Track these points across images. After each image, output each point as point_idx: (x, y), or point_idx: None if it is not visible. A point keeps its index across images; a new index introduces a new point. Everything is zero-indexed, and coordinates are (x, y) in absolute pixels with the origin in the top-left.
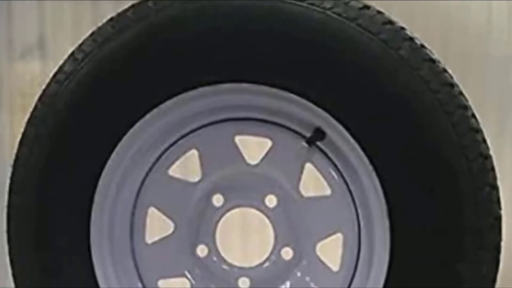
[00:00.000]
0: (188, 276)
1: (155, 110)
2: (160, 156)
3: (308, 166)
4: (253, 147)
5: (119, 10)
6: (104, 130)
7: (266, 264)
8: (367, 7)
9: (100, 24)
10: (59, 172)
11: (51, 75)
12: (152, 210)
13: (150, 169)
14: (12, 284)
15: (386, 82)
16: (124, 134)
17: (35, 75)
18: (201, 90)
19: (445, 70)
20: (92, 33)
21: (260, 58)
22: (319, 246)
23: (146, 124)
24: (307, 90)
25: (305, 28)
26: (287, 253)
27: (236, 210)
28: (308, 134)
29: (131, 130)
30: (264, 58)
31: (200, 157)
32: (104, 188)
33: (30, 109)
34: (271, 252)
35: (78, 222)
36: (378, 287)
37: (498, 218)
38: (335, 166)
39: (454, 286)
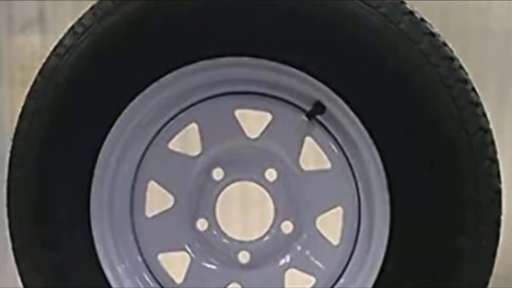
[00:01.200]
0: (188, 249)
1: (155, 84)
2: (160, 130)
3: (308, 140)
4: (253, 121)
5: None
6: (104, 104)
7: (266, 238)
8: None
9: None
10: (59, 146)
11: (51, 49)
12: (152, 184)
13: (150, 142)
14: (13, 258)
15: (386, 55)
16: (124, 108)
17: (35, 48)
18: (201, 64)
19: (445, 44)
20: (92, 7)
21: (260, 31)
22: (319, 220)
23: (146, 98)
24: (307, 64)
25: (305, 1)
26: (287, 227)
27: (236, 184)
28: (308, 108)
29: (131, 104)
30: (264, 31)
31: (200, 131)
32: (104, 161)
33: (30, 83)
34: (271, 226)
35: (78, 195)
36: (378, 260)
37: (498, 192)
38: (335, 139)
39: (454, 259)
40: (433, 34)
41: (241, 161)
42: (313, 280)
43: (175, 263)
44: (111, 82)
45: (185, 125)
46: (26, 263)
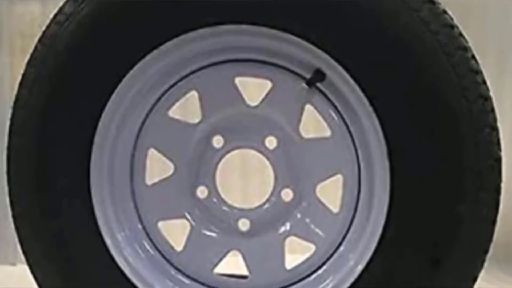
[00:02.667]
0: (188, 217)
1: (155, 52)
2: (160, 98)
3: (308, 107)
4: (253, 89)
5: None
6: (104, 72)
7: (266, 205)
8: None
9: None
10: (59, 114)
11: (51, 16)
12: (152, 152)
13: (150, 110)
14: (13, 226)
15: (386, 23)
16: (124, 75)
17: (35, 16)
18: (201, 31)
19: (445, 12)
20: None
21: None
22: (319, 187)
23: (146, 66)
24: (307, 32)
25: None
26: (287, 195)
27: (236, 151)
28: (308, 76)
29: (131, 72)
30: None
31: (200, 98)
32: (104, 129)
33: (30, 51)
34: (271, 194)
35: (78, 163)
36: (378, 228)
37: (498, 160)
38: (335, 107)
39: (454, 227)
40: (433, 2)
41: (241, 129)
42: (313, 247)
43: (175, 231)
44: (111, 49)
45: (185, 93)
46: (26, 230)
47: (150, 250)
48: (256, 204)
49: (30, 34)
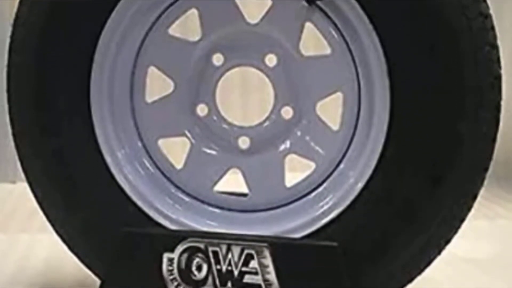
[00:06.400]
0: (188, 135)
1: None
2: (160, 16)
3: (308, 25)
4: (253, 7)
5: None
6: None
7: (266, 123)
8: None
9: None
10: (59, 32)
11: None
12: (152, 70)
13: (150, 28)
14: (13, 144)
15: None
16: None
17: None
18: None
19: None
20: None
21: None
22: (319, 105)
23: None
24: None
25: None
26: (287, 112)
27: (236, 69)
28: None
29: None
30: None
31: (200, 16)
32: (104, 47)
33: None
34: (271, 111)
35: (78, 81)
36: (378, 146)
37: (498, 77)
38: (335, 25)
39: (454, 145)
40: None
41: (241, 47)
42: (313, 165)
43: (175, 149)
44: None
45: (185, 11)
46: (26, 148)
47: (150, 168)
48: (256, 122)
49: None
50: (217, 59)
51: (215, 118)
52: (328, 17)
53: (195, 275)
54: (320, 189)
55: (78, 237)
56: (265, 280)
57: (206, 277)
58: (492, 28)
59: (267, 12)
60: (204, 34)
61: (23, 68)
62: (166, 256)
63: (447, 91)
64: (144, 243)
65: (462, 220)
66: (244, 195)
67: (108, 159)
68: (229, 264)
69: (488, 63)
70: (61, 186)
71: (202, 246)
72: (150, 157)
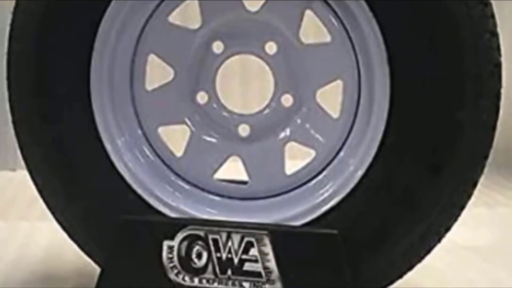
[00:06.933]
0: (188, 123)
1: None
2: (160, 3)
3: (308, 13)
4: None
5: None
6: None
7: (266, 111)
8: None
9: None
10: (59, 19)
11: None
12: (152, 57)
13: (150, 16)
14: (13, 131)
15: None
16: None
17: None
18: None
19: None
20: None
21: None
22: (319, 93)
23: None
24: None
25: None
26: (287, 100)
27: (236, 57)
28: None
29: None
30: None
31: (200, 4)
32: (104, 35)
33: None
34: (271, 99)
35: (78, 69)
36: (378, 133)
37: (498, 65)
38: (335, 13)
39: (455, 132)
40: None
41: (241, 34)
42: (313, 153)
43: (175, 136)
44: None
45: None
46: (26, 136)
47: (150, 155)
48: (256, 109)
49: None
50: (217, 47)
51: (215, 105)
52: (328, 4)
53: (195, 263)
54: (320, 176)
55: (78, 225)
56: (265, 268)
57: (206, 265)
58: (492, 15)
59: (267, 0)
60: (204, 21)
61: (23, 55)
62: (166, 244)
63: (447, 79)
64: (144, 231)
65: (462, 207)
66: (244, 182)
67: (108, 146)
68: (229, 252)
69: (488, 50)
70: (61, 174)
71: (202, 234)
72: (150, 144)
